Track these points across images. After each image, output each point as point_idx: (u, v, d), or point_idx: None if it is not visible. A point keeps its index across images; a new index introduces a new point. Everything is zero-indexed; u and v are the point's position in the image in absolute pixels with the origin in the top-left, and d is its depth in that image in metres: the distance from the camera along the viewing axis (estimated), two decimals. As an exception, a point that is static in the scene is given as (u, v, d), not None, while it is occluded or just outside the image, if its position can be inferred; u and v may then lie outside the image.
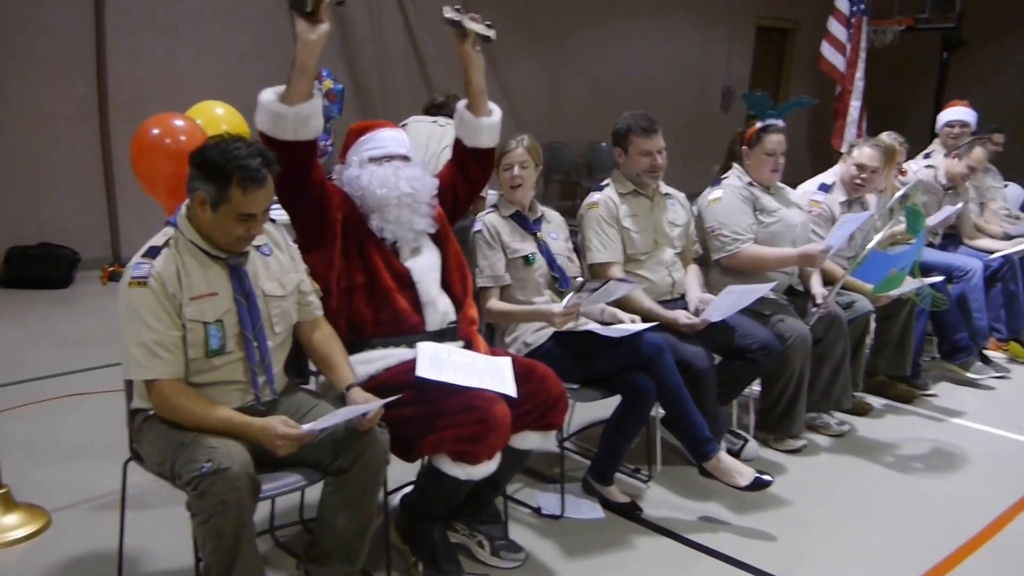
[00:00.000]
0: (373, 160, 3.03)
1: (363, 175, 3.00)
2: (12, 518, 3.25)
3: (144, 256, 2.50)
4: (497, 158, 3.48)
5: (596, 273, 3.75)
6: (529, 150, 3.50)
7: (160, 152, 3.46)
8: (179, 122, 3.59)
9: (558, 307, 3.27)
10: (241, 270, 2.59)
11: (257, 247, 2.68)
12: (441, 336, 3.00)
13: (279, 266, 2.72)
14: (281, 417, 2.48)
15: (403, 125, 5.69)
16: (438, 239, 3.15)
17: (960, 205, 5.47)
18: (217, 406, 2.50)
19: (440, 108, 5.69)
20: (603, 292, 3.34)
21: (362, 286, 2.96)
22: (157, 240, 2.54)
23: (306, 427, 2.45)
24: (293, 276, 2.76)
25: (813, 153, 13.72)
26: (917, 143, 5.84)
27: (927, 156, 6.03)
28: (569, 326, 3.40)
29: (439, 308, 3.03)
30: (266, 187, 2.48)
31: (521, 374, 2.91)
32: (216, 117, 3.89)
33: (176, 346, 2.47)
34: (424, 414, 2.75)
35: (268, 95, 2.73)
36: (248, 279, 2.61)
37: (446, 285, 3.10)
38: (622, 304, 3.72)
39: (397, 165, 3.02)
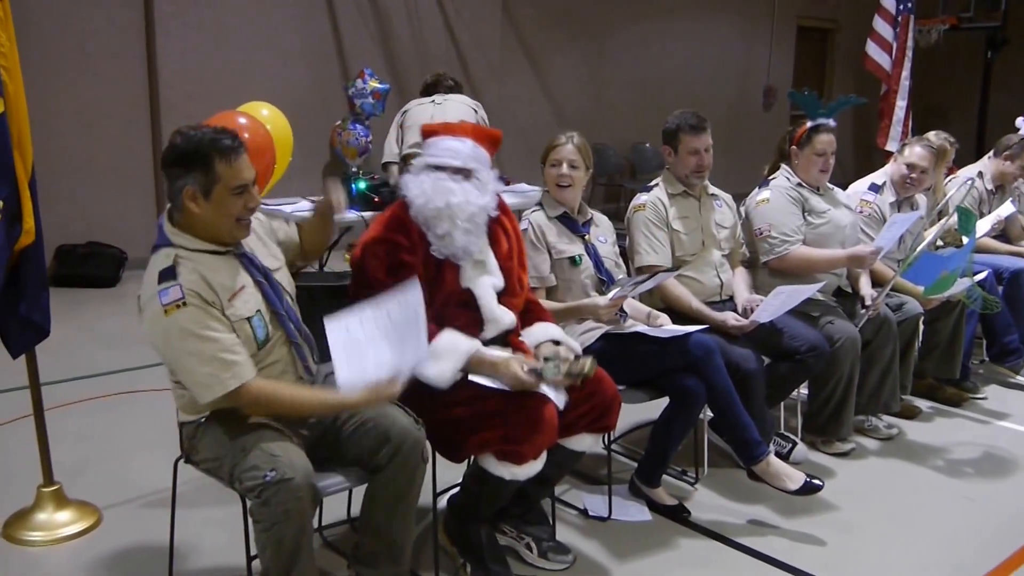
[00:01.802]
0: (430, 167, 2.92)
1: (413, 183, 2.90)
2: (63, 515, 3.29)
3: (163, 282, 2.40)
4: (544, 153, 3.47)
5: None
6: (579, 149, 3.43)
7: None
8: (242, 120, 3.56)
9: (603, 300, 3.25)
10: (248, 255, 2.59)
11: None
12: (490, 344, 2.94)
13: (265, 233, 2.76)
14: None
15: (404, 112, 5.91)
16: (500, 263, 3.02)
17: (1014, 211, 5.37)
18: (302, 388, 2.55)
19: (434, 87, 5.95)
20: (646, 284, 3.33)
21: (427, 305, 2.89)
22: (160, 264, 2.44)
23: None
24: (272, 240, 2.78)
25: (857, 153, 13.63)
26: (961, 143, 5.72)
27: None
28: (616, 327, 3.39)
29: (502, 326, 2.94)
30: (244, 155, 2.48)
31: None
32: (262, 118, 3.88)
33: (242, 346, 2.46)
34: (472, 415, 2.73)
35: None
36: (257, 259, 2.61)
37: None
38: (670, 307, 3.70)
39: (439, 176, 2.87)
